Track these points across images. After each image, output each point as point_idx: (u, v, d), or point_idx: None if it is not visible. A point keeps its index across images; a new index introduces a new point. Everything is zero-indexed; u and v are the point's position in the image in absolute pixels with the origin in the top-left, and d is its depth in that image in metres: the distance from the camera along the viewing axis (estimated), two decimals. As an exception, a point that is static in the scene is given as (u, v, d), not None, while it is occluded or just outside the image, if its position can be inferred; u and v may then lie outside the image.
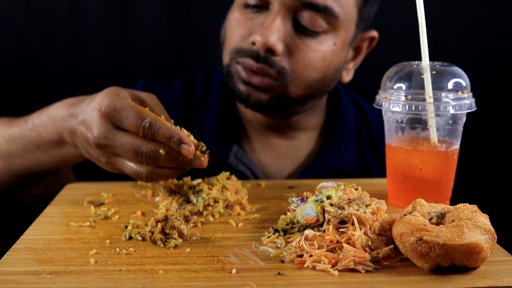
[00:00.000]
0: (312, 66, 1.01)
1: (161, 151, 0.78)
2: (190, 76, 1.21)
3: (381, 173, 1.12)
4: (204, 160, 0.81)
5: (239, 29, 1.03)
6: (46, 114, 0.90)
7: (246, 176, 1.07)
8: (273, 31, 0.97)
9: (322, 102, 1.16)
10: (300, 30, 1.00)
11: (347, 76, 1.14)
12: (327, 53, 1.02)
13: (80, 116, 0.84)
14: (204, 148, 0.82)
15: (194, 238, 0.73)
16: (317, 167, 1.11)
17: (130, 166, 0.80)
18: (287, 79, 1.01)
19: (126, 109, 0.78)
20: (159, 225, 0.70)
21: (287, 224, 0.72)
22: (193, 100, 1.16)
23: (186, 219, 0.78)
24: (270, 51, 0.98)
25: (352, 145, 1.15)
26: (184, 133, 0.80)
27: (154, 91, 1.15)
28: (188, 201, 0.84)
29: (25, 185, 0.98)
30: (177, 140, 0.78)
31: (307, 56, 1.00)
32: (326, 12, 0.98)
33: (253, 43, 0.99)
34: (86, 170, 1.06)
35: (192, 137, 0.80)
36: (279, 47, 0.98)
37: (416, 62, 0.85)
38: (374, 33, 1.12)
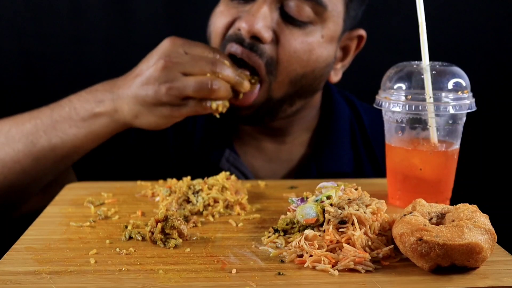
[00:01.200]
0: (298, 58, 0.98)
1: (225, 61, 0.92)
2: None
3: (376, 175, 1.12)
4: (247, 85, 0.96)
5: (223, 18, 1.00)
6: (86, 91, 0.97)
7: None
8: (259, 17, 0.95)
9: (314, 102, 1.14)
10: (287, 20, 0.98)
11: (335, 77, 1.11)
12: (314, 45, 0.99)
13: (134, 72, 0.95)
14: (254, 79, 0.98)
15: (194, 238, 0.73)
16: (311, 170, 1.09)
17: (195, 79, 0.89)
18: (273, 74, 0.98)
19: (193, 41, 0.95)
20: (159, 225, 0.70)
21: (287, 224, 0.72)
22: None
23: (186, 219, 0.78)
24: (256, 38, 0.96)
25: (347, 146, 1.13)
26: None
27: None
28: (188, 201, 0.84)
29: (43, 172, 0.98)
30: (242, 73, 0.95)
31: (294, 46, 0.98)
32: (313, 0, 0.96)
33: (239, 29, 0.97)
34: (87, 170, 1.06)
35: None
36: (266, 34, 0.95)
37: (416, 62, 0.85)
38: (362, 32, 1.10)
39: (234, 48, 0.97)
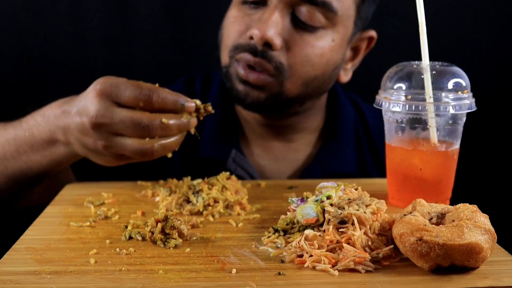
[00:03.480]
0: (309, 62, 1.00)
1: (163, 120, 0.78)
2: (190, 78, 1.20)
3: (380, 175, 1.12)
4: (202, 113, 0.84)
5: (236, 26, 1.02)
6: (40, 114, 0.90)
7: (244, 180, 1.06)
8: (271, 25, 0.96)
9: (321, 103, 1.15)
10: (298, 25, 0.99)
11: (345, 77, 1.12)
12: (326, 49, 1.01)
13: (73, 109, 0.83)
14: (209, 108, 0.85)
15: (194, 238, 0.73)
16: (316, 170, 1.10)
17: (132, 144, 0.78)
18: (284, 75, 1.00)
19: (123, 83, 0.78)
20: (159, 225, 0.70)
21: (287, 224, 0.72)
22: None
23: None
24: (267, 45, 0.97)
25: (352, 147, 1.14)
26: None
27: None
28: (188, 201, 0.84)
29: (19, 189, 0.97)
30: (181, 100, 0.80)
31: (304, 51, 0.99)
32: (324, 6, 0.98)
33: (251, 38, 0.98)
34: (86, 170, 1.06)
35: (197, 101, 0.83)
36: (277, 41, 0.97)
37: (416, 62, 0.85)
38: (373, 33, 1.11)
39: (247, 57, 0.99)
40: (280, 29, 0.97)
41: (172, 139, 0.80)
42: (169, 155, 0.83)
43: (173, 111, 0.80)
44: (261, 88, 1.01)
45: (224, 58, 1.05)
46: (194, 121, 0.82)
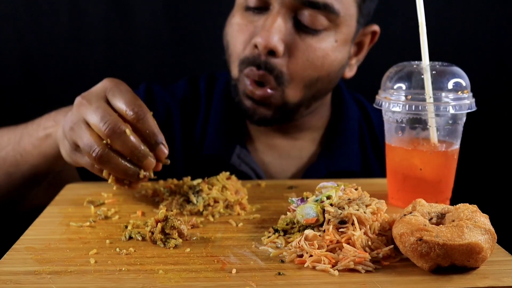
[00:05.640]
0: (311, 65, 1.00)
1: (127, 130, 0.76)
2: (193, 78, 1.21)
3: (383, 174, 1.12)
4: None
5: (241, 35, 1.02)
6: (56, 111, 0.96)
7: (249, 176, 1.07)
8: (274, 32, 0.97)
9: (326, 102, 1.15)
10: (301, 29, 0.99)
11: (350, 72, 1.12)
12: (328, 50, 1.01)
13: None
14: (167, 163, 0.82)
15: (194, 238, 0.73)
16: (320, 168, 1.11)
17: (88, 136, 0.77)
18: (284, 84, 1.00)
19: (124, 86, 0.80)
20: (159, 225, 0.70)
21: (287, 224, 0.72)
22: (196, 102, 1.16)
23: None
24: (271, 53, 0.98)
25: (356, 146, 1.15)
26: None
27: (156, 92, 1.15)
28: (188, 201, 0.84)
29: (14, 187, 1.00)
30: (160, 138, 0.78)
31: (306, 56, 1.00)
32: (326, 9, 0.98)
33: (255, 46, 0.99)
34: (86, 170, 1.06)
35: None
36: (280, 47, 0.97)
37: (416, 62, 0.85)
38: (376, 27, 1.12)
39: (253, 72, 0.99)
40: (283, 35, 0.98)
41: (118, 162, 0.77)
42: (110, 180, 0.80)
43: (148, 143, 0.78)
44: (266, 104, 1.02)
45: (234, 71, 1.05)
46: (141, 172, 0.79)
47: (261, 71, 0.99)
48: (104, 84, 0.80)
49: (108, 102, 0.79)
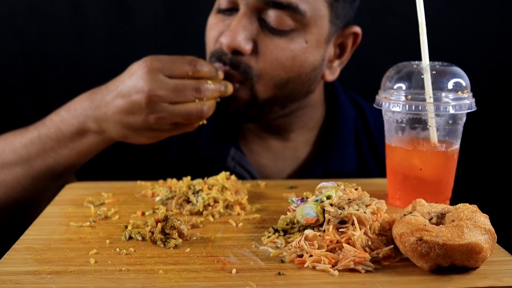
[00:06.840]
0: (281, 65, 0.99)
1: (209, 82, 0.92)
2: None
3: (380, 174, 1.12)
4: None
5: (212, 33, 1.03)
6: (64, 109, 0.97)
7: (244, 178, 1.06)
8: (238, 32, 0.97)
9: (314, 102, 1.13)
10: (268, 30, 0.99)
11: (331, 75, 1.10)
12: (298, 51, 1.00)
13: (110, 95, 0.91)
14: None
15: (194, 238, 0.73)
16: (316, 169, 1.10)
17: (185, 107, 0.89)
18: (253, 79, 0.99)
19: (169, 59, 0.91)
20: (159, 225, 0.70)
21: (287, 224, 0.72)
22: None
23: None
24: (237, 52, 0.98)
25: (352, 146, 1.14)
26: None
27: None
28: (188, 201, 0.84)
29: (44, 187, 0.99)
30: (214, 69, 0.94)
31: (275, 55, 0.99)
32: (291, 9, 0.97)
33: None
34: (86, 170, 1.06)
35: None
36: (246, 46, 0.97)
37: (416, 62, 0.85)
38: (356, 29, 1.08)
39: (217, 66, 1.00)
40: (248, 34, 0.97)
41: (212, 101, 0.93)
42: (205, 121, 0.94)
43: (209, 78, 0.93)
44: (234, 98, 1.00)
45: None
46: (230, 87, 0.96)
47: (227, 66, 0.99)
48: (150, 71, 0.89)
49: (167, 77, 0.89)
